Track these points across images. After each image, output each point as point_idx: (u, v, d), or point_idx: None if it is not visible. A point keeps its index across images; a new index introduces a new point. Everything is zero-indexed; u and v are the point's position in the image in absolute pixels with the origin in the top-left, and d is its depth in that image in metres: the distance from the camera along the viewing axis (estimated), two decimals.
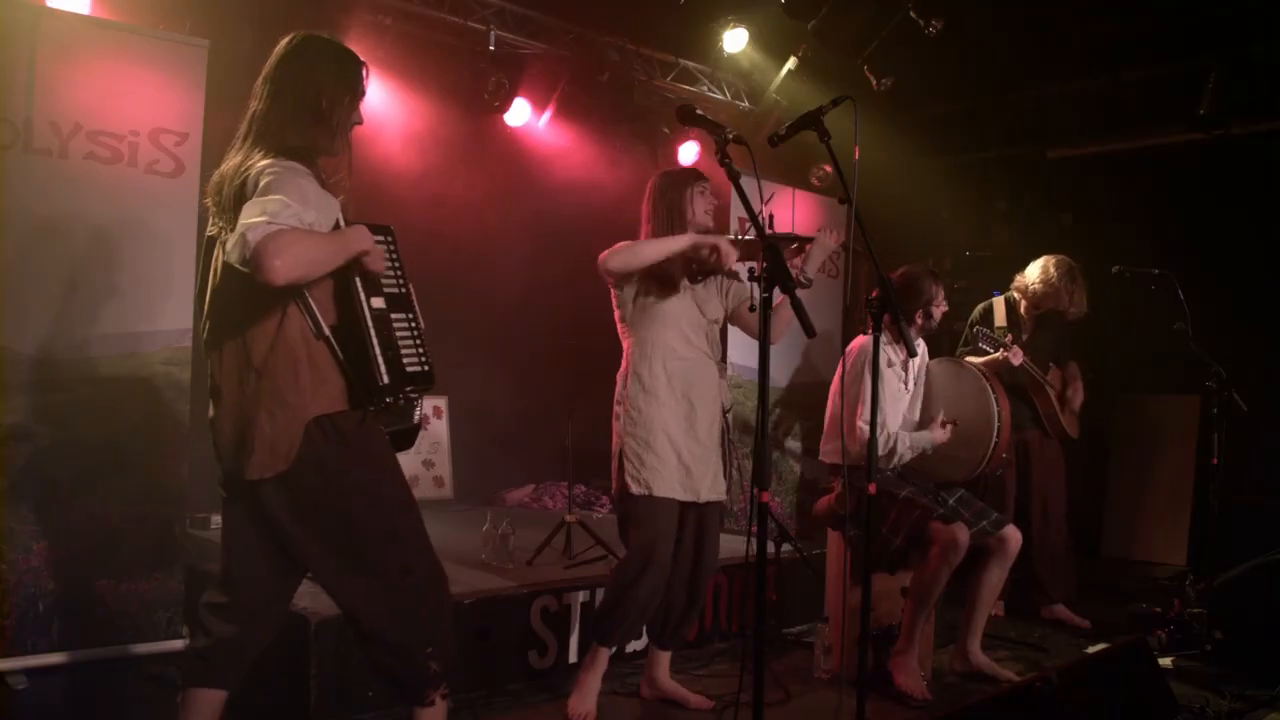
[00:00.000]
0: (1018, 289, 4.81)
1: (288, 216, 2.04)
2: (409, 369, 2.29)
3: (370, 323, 2.24)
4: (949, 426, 3.72)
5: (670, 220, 3.20)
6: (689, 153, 6.35)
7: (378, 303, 2.30)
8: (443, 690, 2.37)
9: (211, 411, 2.32)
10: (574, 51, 5.82)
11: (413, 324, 2.36)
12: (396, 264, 2.40)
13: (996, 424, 3.74)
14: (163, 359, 3.49)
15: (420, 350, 2.34)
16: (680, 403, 3.18)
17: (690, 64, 6.27)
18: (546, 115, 6.09)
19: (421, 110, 5.62)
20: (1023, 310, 4.79)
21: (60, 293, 3.30)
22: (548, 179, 6.30)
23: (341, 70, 2.37)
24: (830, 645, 3.72)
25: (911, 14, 5.10)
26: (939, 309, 3.81)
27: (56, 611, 3.26)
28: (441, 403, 6.13)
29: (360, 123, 2.44)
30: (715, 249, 3.11)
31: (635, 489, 3.12)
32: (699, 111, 2.71)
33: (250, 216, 2.02)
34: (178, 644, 3.45)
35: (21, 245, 3.23)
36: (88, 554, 3.32)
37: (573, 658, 3.67)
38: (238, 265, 2.02)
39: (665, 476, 3.13)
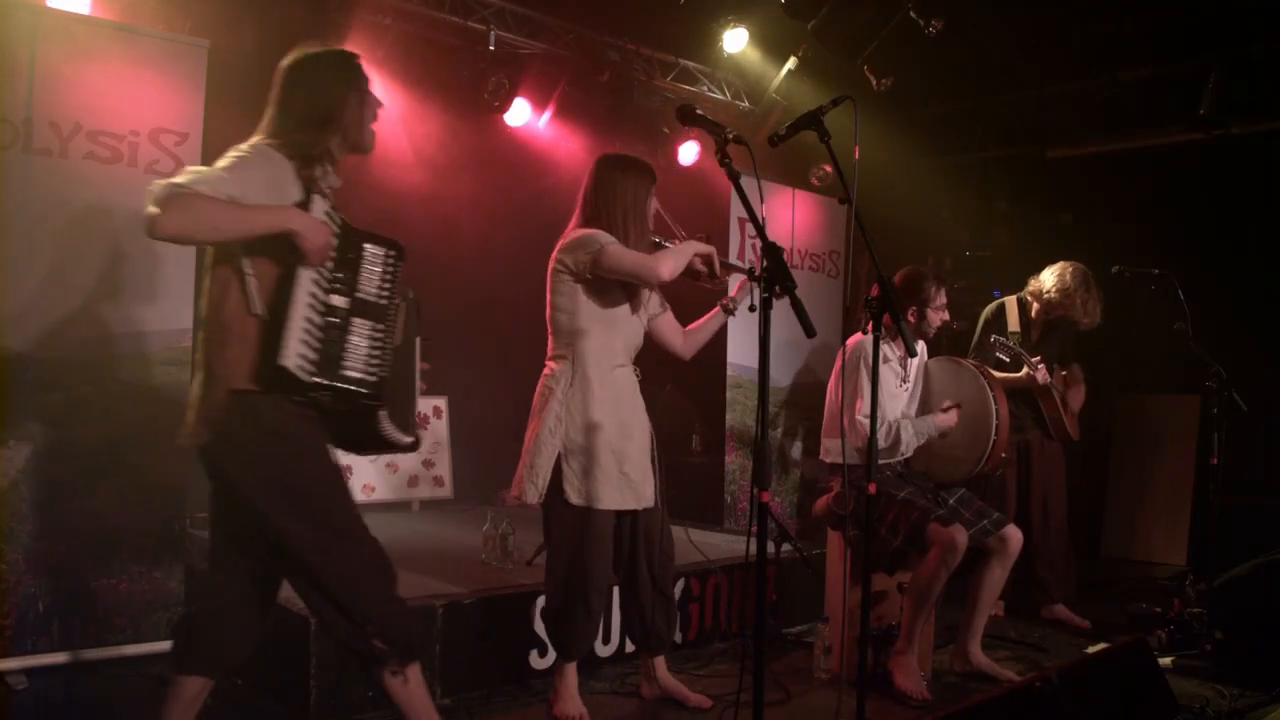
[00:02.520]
0: (1032, 293, 4.73)
1: (200, 182, 2.13)
2: (345, 370, 2.27)
3: (297, 307, 2.21)
4: (953, 410, 3.71)
5: (627, 218, 3.11)
6: (689, 153, 6.35)
7: (339, 300, 2.29)
8: (395, 667, 2.37)
9: None
10: (574, 51, 5.82)
11: (378, 335, 2.33)
12: (389, 278, 2.39)
13: (995, 422, 3.74)
14: (163, 359, 3.50)
15: (372, 360, 2.31)
16: (621, 410, 3.12)
17: (690, 64, 6.28)
18: (546, 115, 6.09)
19: (421, 110, 5.62)
20: (1034, 313, 4.72)
21: (60, 293, 3.31)
22: (548, 179, 6.30)
23: (339, 72, 2.42)
24: (830, 645, 3.72)
25: (911, 14, 5.10)
26: (936, 313, 3.78)
27: (56, 611, 3.26)
28: (441, 403, 6.13)
29: (380, 105, 2.51)
30: (709, 259, 3.09)
31: (576, 499, 3.04)
32: (699, 111, 2.70)
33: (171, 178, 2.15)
34: None
35: (21, 245, 3.23)
36: (88, 554, 3.32)
37: None
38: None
39: (609, 487, 3.06)
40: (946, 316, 3.85)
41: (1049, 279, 4.67)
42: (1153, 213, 5.89)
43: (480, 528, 4.21)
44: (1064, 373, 4.74)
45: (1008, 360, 4.43)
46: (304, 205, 2.27)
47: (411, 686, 2.40)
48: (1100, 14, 5.55)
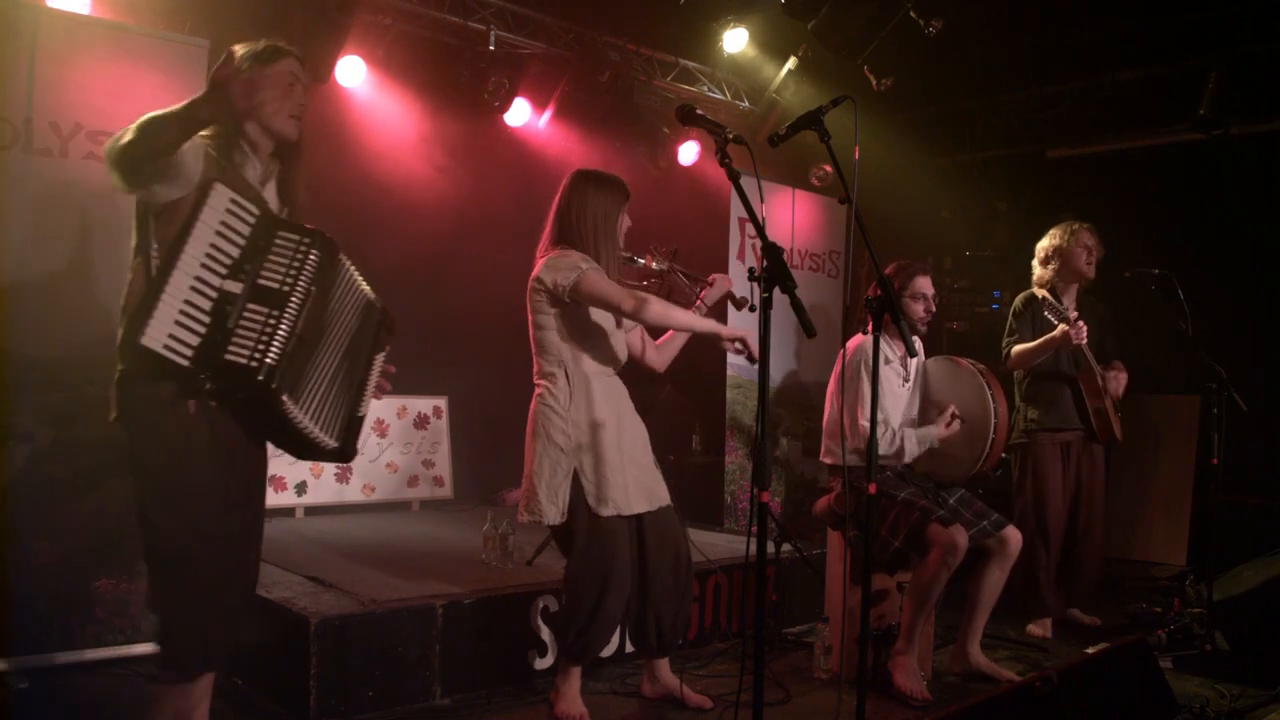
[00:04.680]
0: (1039, 277, 4.63)
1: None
2: (228, 355, 2.22)
3: (172, 289, 2.19)
4: (955, 421, 3.70)
5: (598, 235, 3.12)
6: (689, 153, 6.36)
7: (233, 286, 2.26)
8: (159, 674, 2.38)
9: None
10: (574, 51, 5.82)
11: (271, 322, 2.26)
12: (296, 267, 2.31)
13: (994, 421, 3.74)
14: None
15: (262, 345, 2.24)
16: (621, 416, 3.16)
17: (690, 64, 6.28)
18: (546, 115, 6.09)
19: (422, 110, 5.62)
20: (1063, 280, 4.55)
21: (60, 293, 3.31)
22: (548, 179, 6.28)
23: (246, 53, 2.44)
24: (830, 645, 3.72)
25: (911, 14, 5.10)
26: (913, 302, 3.74)
27: (56, 611, 3.26)
28: (441, 403, 6.13)
29: (304, 94, 2.50)
30: (743, 341, 3.07)
31: (603, 510, 3.06)
32: (699, 111, 2.71)
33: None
34: None
35: (21, 245, 3.23)
36: (88, 554, 3.32)
37: None
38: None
39: (629, 492, 3.09)
40: (930, 307, 3.80)
41: (1045, 242, 4.60)
42: (1153, 213, 5.88)
43: (480, 528, 4.21)
44: (1112, 373, 4.59)
45: (1054, 321, 4.24)
46: (201, 194, 2.26)
47: (183, 691, 2.40)
48: (1100, 14, 5.55)
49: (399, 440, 5.80)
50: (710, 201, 6.15)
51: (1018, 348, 4.46)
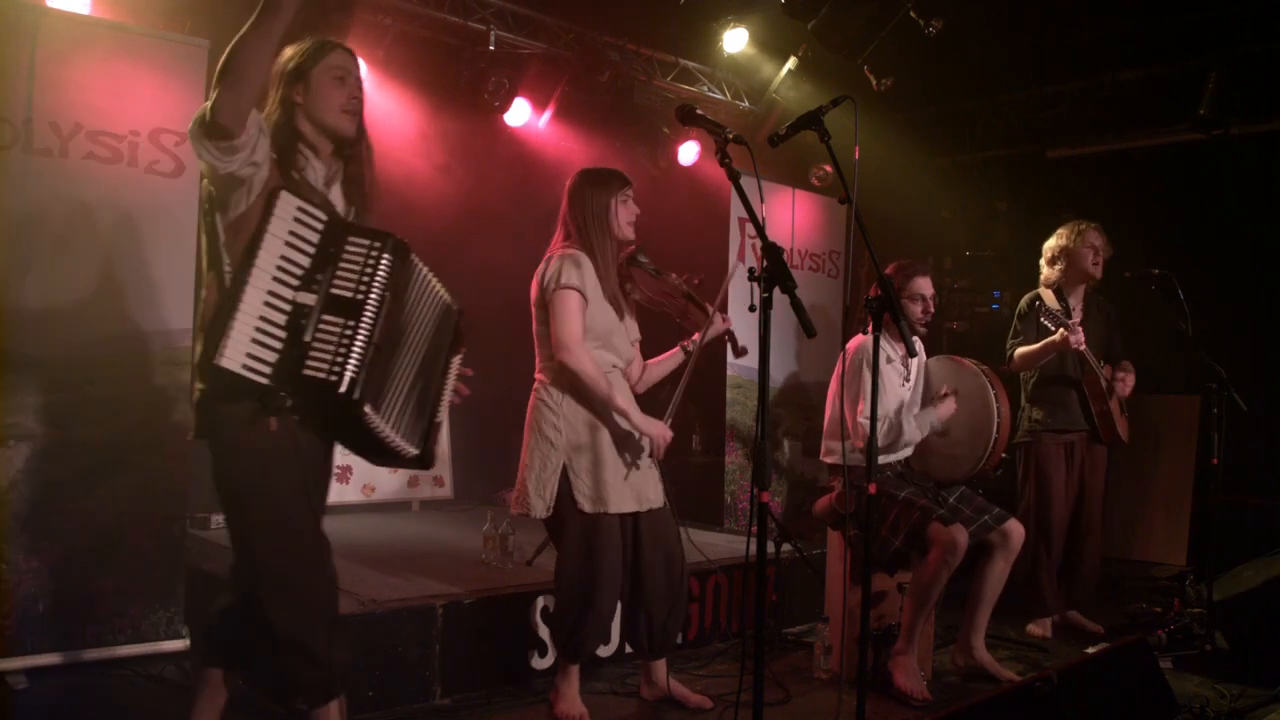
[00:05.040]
0: (1045, 277, 4.62)
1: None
2: (309, 371, 2.17)
3: (246, 307, 2.14)
4: (950, 397, 3.70)
5: (590, 229, 3.14)
6: (689, 153, 6.36)
7: (306, 298, 2.21)
8: (304, 704, 2.33)
9: None
10: (574, 51, 5.82)
11: (347, 333, 2.20)
12: (369, 273, 2.26)
13: (996, 420, 3.74)
14: (163, 359, 3.49)
15: (340, 357, 2.18)
16: (618, 415, 3.16)
17: (690, 64, 6.28)
18: (546, 115, 6.09)
19: (421, 110, 5.62)
20: (1069, 280, 4.54)
21: (60, 293, 3.31)
22: (548, 179, 6.29)
23: (299, 50, 2.44)
24: (830, 645, 3.72)
25: (911, 14, 5.10)
26: (910, 303, 3.75)
27: (56, 611, 3.26)
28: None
29: (357, 91, 2.45)
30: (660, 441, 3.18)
31: (589, 507, 3.07)
32: (699, 111, 2.71)
33: None
34: (178, 644, 3.46)
35: (21, 245, 3.23)
36: (88, 554, 3.32)
37: None
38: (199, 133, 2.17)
39: (616, 491, 3.10)
40: (928, 307, 3.80)
41: (1053, 241, 4.60)
42: (1153, 213, 5.88)
43: (480, 528, 4.21)
44: (1120, 373, 4.58)
45: (1053, 328, 4.24)
46: (269, 205, 2.21)
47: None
48: (1100, 14, 5.55)
49: None
50: (710, 201, 6.14)
51: (1020, 350, 4.47)
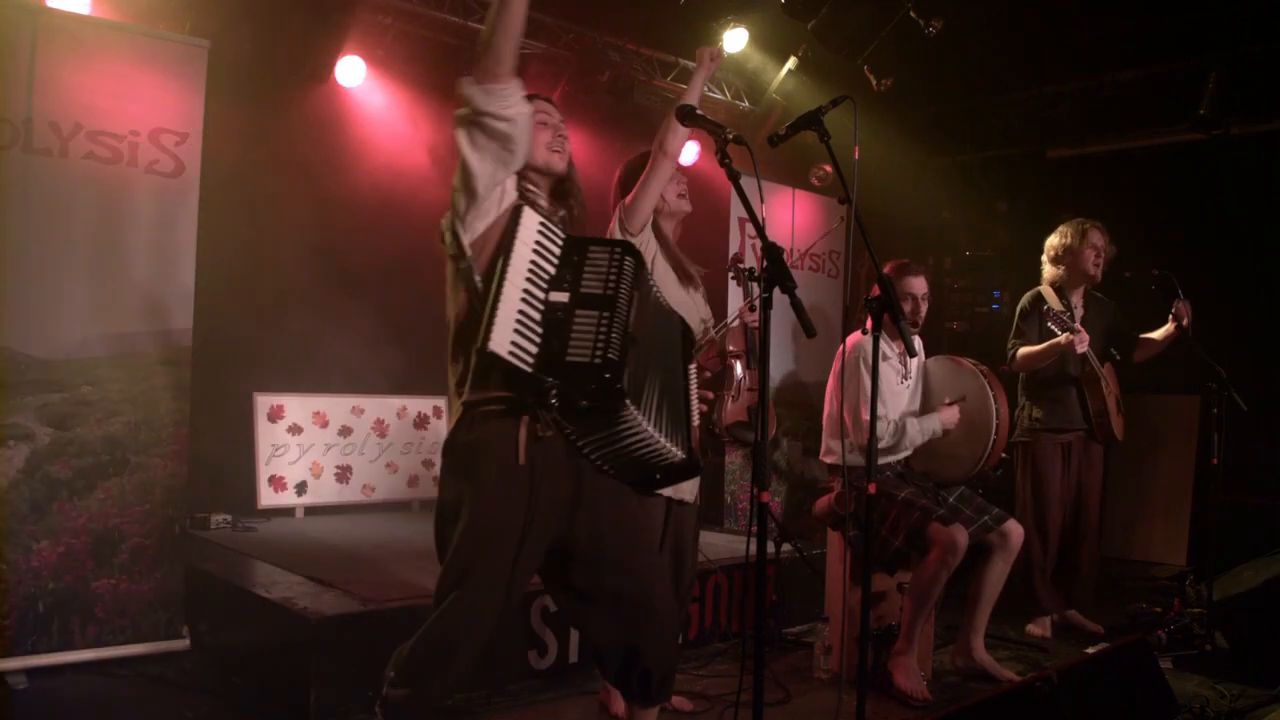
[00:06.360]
0: (1049, 275, 4.61)
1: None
2: (569, 357, 2.20)
3: (507, 299, 2.19)
4: (955, 406, 3.71)
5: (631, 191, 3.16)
6: (689, 153, 6.35)
7: (559, 297, 2.27)
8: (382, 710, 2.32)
9: None
10: (574, 51, 5.82)
11: (604, 322, 2.24)
12: (615, 271, 2.31)
13: (995, 421, 3.74)
14: (163, 359, 3.50)
15: (598, 346, 2.20)
16: None
17: (690, 64, 6.25)
18: None
19: (422, 110, 5.62)
20: (1071, 279, 4.55)
21: (60, 292, 3.31)
22: None
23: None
24: (830, 645, 3.72)
25: (911, 14, 5.10)
26: (905, 303, 3.74)
27: (56, 611, 3.26)
28: (441, 403, 6.12)
29: (560, 130, 2.55)
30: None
31: None
32: (699, 111, 2.71)
33: None
34: (178, 644, 3.46)
35: (21, 245, 3.23)
36: (88, 554, 3.33)
37: (573, 658, 3.67)
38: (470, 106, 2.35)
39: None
40: (919, 307, 3.79)
41: (1055, 238, 4.59)
42: (1153, 213, 5.88)
43: None
44: (1112, 368, 4.59)
45: (1057, 331, 4.24)
46: (514, 218, 2.28)
47: None
48: (1100, 14, 5.55)
49: (399, 440, 5.79)
50: (710, 201, 6.13)
51: (1023, 351, 4.47)
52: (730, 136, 2.59)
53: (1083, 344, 4.19)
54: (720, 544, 4.73)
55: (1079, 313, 4.51)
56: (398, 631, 3.24)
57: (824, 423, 3.88)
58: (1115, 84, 5.90)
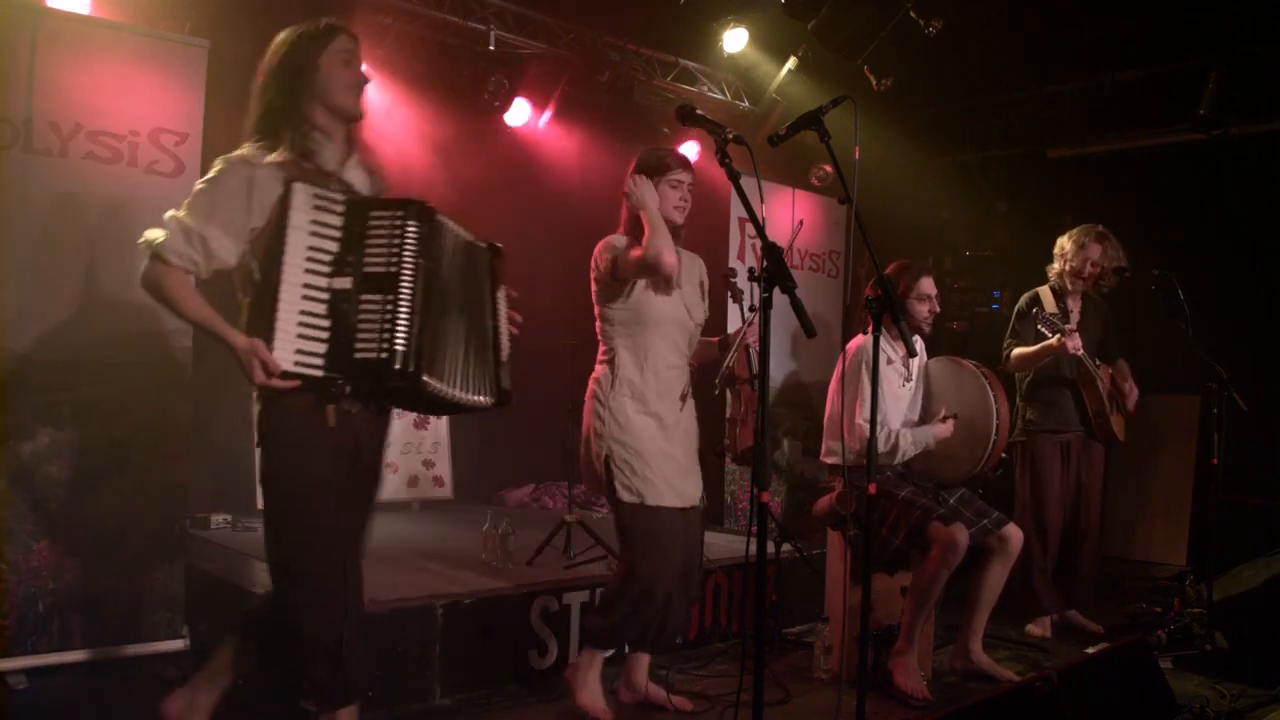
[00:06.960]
0: (1055, 271, 4.64)
1: (174, 236, 2.22)
2: (360, 354, 2.19)
3: (285, 305, 2.16)
4: (950, 421, 3.71)
5: (632, 214, 3.17)
6: (689, 153, 6.34)
7: (342, 283, 2.21)
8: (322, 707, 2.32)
9: None
10: (574, 51, 5.82)
11: (389, 308, 2.20)
12: (398, 243, 2.25)
13: (995, 422, 3.74)
14: (163, 359, 3.50)
15: (384, 337, 2.18)
16: (667, 411, 3.16)
17: (690, 64, 6.28)
18: (546, 115, 6.09)
19: (422, 110, 5.62)
20: (1067, 282, 4.58)
21: (60, 293, 3.31)
22: (547, 179, 6.30)
23: (308, 37, 2.39)
24: (830, 645, 3.72)
25: (911, 14, 5.10)
26: (918, 303, 3.75)
27: (56, 611, 3.26)
28: None
29: (366, 74, 2.46)
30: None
31: (627, 497, 3.08)
32: (699, 111, 2.71)
33: (156, 229, 2.23)
34: (178, 644, 3.46)
35: (21, 245, 3.23)
36: (88, 554, 3.32)
37: (573, 658, 3.67)
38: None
39: (659, 486, 3.10)
40: (934, 308, 3.81)
41: (1063, 240, 4.61)
42: (1153, 213, 5.88)
43: (480, 528, 4.21)
44: (1128, 384, 4.60)
45: (1049, 334, 4.24)
46: (284, 200, 2.21)
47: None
48: (1100, 14, 5.54)
49: (399, 441, 5.79)
50: (710, 201, 6.13)
51: (1017, 351, 4.47)
52: (730, 136, 2.59)
53: (1076, 347, 4.19)
54: (720, 544, 4.73)
55: (1075, 315, 4.52)
56: (398, 631, 3.25)
57: (825, 423, 3.88)
58: (1115, 84, 5.90)
